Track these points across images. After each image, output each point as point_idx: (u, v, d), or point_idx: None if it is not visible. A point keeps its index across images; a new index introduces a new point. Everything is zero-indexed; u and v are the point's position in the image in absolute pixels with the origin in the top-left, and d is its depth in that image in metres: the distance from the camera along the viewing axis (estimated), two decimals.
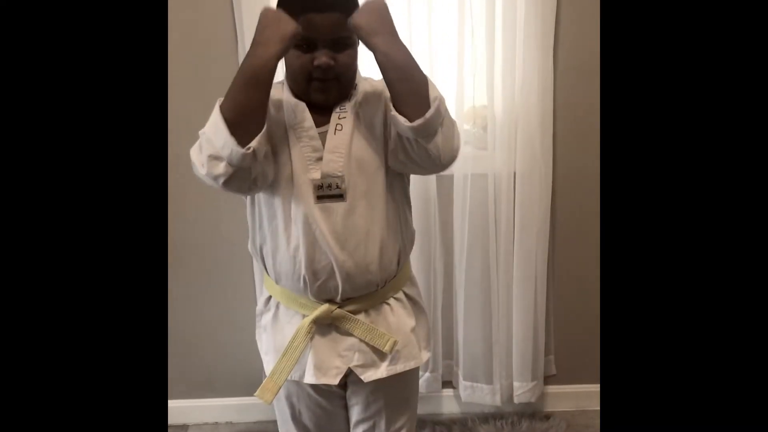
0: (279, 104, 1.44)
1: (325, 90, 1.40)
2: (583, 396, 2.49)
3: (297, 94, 1.44)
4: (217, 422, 2.55)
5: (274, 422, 1.69)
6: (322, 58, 1.36)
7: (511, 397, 2.44)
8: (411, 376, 1.62)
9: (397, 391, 1.59)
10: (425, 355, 1.59)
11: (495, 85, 2.20)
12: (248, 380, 2.45)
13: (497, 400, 2.43)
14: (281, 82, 1.49)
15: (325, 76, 1.38)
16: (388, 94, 1.42)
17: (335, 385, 1.53)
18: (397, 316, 1.54)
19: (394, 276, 1.52)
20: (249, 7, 2.08)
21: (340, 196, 1.41)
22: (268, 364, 1.58)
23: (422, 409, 2.46)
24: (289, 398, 1.61)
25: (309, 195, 1.40)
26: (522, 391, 2.43)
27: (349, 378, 1.55)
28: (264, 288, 1.61)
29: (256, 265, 2.29)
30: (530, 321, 2.37)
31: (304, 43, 1.36)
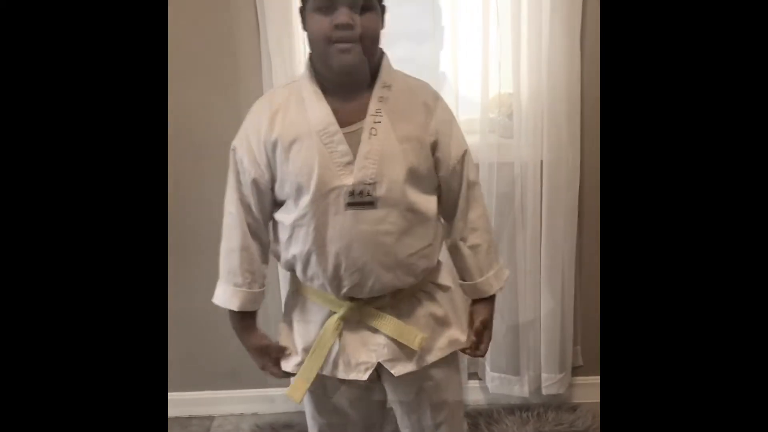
0: (301, 104, 1.41)
1: (346, 51, 1.34)
2: None
3: (319, 73, 1.41)
4: (242, 413, 2.55)
5: (300, 413, 1.69)
6: (341, 17, 1.31)
7: (538, 388, 2.43)
8: (448, 359, 1.59)
9: (434, 377, 1.57)
10: (458, 342, 1.56)
11: (521, 72, 2.17)
12: (246, 374, 2.46)
13: (525, 392, 2.42)
14: (297, 80, 1.47)
15: (345, 38, 1.33)
16: (430, 101, 1.46)
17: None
18: (425, 308, 1.51)
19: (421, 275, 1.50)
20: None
21: (371, 203, 1.37)
22: (289, 357, 1.57)
23: None
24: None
25: (339, 201, 1.37)
26: (550, 382, 2.41)
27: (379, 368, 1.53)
28: (289, 279, 1.60)
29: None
30: (558, 312, 2.35)
31: (324, 5, 1.33)
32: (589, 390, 2.48)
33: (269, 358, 1.58)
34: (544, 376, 2.41)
